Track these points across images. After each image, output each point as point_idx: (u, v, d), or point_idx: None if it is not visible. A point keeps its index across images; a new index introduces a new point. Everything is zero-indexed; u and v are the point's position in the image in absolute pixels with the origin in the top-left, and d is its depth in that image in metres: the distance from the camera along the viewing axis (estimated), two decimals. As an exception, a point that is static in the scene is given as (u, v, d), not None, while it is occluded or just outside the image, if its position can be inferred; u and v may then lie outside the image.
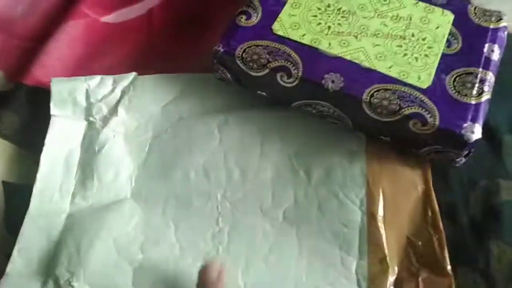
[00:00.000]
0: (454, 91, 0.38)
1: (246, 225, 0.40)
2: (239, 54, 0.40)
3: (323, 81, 0.39)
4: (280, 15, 0.42)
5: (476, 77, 0.38)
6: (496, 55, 0.40)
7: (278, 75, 0.40)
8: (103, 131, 0.44)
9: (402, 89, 0.38)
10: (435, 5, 0.43)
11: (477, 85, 0.38)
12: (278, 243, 0.39)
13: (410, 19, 0.42)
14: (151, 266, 0.39)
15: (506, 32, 0.42)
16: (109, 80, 0.45)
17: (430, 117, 0.37)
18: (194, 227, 0.40)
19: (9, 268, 0.39)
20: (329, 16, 0.42)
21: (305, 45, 0.40)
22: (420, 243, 0.38)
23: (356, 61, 0.39)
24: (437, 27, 0.41)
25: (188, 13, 0.52)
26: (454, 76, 0.39)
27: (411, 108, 0.37)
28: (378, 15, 0.42)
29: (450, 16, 0.42)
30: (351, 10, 0.42)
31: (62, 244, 0.40)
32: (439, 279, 0.37)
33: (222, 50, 0.41)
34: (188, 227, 0.40)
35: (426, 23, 0.41)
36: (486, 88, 0.38)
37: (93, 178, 0.42)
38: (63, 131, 0.44)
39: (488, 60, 0.39)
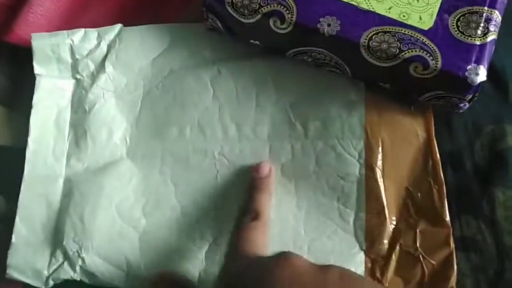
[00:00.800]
0: (457, 32, 0.36)
1: (245, 182, 0.39)
2: (229, 0, 0.38)
3: (318, 25, 0.37)
4: None
5: (481, 16, 0.36)
6: (503, -7, 0.37)
7: (271, 21, 0.37)
8: (91, 89, 0.42)
9: (402, 31, 0.36)
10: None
11: (482, 24, 0.36)
12: (276, 198, 0.39)
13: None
14: (155, 231, 0.40)
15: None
16: (93, 33, 0.43)
17: (432, 59, 0.35)
18: (193, 185, 0.40)
19: (15, 238, 0.39)
20: (324, -43, 0.39)
21: None
22: (419, 194, 0.38)
23: (353, 3, 0.37)
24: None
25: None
26: (458, 16, 0.36)
27: (412, 51, 0.35)
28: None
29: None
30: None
31: (64, 213, 0.40)
32: (437, 229, 0.37)
33: None
34: (187, 186, 0.40)
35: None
36: (492, 28, 0.36)
37: (87, 138, 0.41)
38: (50, 91, 0.43)
39: None
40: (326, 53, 0.38)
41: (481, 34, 0.36)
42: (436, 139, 0.39)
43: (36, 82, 0.42)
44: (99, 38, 0.43)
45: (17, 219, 0.40)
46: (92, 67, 0.43)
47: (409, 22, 0.36)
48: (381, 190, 0.38)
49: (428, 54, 0.35)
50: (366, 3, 0.37)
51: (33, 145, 0.41)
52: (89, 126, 0.42)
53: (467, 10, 0.36)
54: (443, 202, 0.37)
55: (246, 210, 0.36)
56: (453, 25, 0.36)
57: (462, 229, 0.38)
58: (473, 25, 0.36)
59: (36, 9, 0.45)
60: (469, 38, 0.36)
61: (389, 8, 0.37)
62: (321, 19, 0.37)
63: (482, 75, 0.35)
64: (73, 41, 0.43)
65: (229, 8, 0.38)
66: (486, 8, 0.36)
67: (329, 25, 0.36)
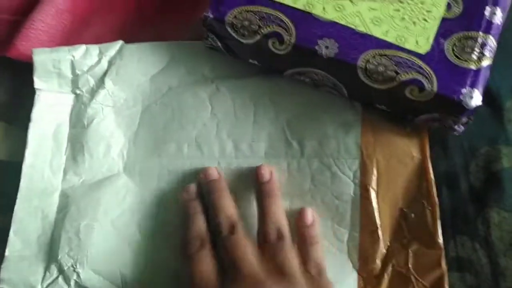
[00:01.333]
0: (453, 56, 0.36)
1: (241, 200, 0.39)
2: (229, 20, 0.39)
3: (316, 47, 0.37)
4: None
5: (476, 41, 0.37)
6: (498, 19, 0.38)
7: (270, 42, 0.38)
8: (91, 104, 0.43)
9: (399, 54, 0.37)
10: (435, -36, 0.41)
11: (477, 49, 0.36)
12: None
13: (408, -20, 0.40)
14: (149, 246, 0.40)
15: (511, -7, 0.40)
16: (94, 50, 0.44)
17: (428, 83, 0.35)
18: None
19: (8, 251, 0.39)
20: (323, -22, 0.40)
21: (298, 9, 0.38)
22: (413, 215, 0.38)
23: (351, 26, 0.38)
24: (437, -11, 0.39)
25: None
26: (454, 41, 0.37)
27: (408, 74, 0.36)
28: (374, -25, 0.40)
29: (449, -24, 0.40)
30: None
31: (60, 227, 0.40)
32: (429, 251, 0.37)
33: (211, 16, 0.39)
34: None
35: (424, -15, 0.39)
36: (487, 53, 0.36)
37: (84, 153, 0.42)
38: (49, 106, 0.43)
39: (489, 23, 0.37)
40: (323, 74, 0.39)
41: (476, 59, 0.36)
42: (432, 160, 0.39)
43: (36, 96, 0.43)
44: (100, 54, 0.44)
45: (11, 232, 0.39)
46: (92, 82, 0.43)
47: (406, 46, 0.37)
48: (375, 210, 0.38)
49: (424, 78, 0.36)
50: (364, 26, 0.38)
51: (30, 158, 0.41)
52: (87, 140, 0.42)
53: (462, 35, 0.37)
54: (436, 224, 0.37)
55: (265, 229, 0.36)
56: (449, 50, 0.37)
57: (457, 249, 0.38)
58: (468, 50, 0.36)
59: (37, 25, 0.46)
60: (465, 62, 0.36)
61: (386, 32, 0.37)
62: (319, 41, 0.37)
63: (476, 99, 0.35)
64: (74, 57, 0.43)
65: (229, 29, 0.39)
66: (481, 33, 0.37)
67: (327, 47, 0.37)
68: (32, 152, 0.41)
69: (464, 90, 0.35)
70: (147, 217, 0.40)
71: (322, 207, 0.39)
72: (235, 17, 0.39)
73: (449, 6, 0.38)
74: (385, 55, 0.37)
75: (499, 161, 0.40)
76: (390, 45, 0.37)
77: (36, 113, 0.42)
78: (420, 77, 0.36)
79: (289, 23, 0.38)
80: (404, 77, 0.36)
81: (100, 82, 0.43)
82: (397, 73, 0.36)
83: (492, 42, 0.37)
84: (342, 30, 0.38)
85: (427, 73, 0.36)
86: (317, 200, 0.39)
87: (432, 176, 0.39)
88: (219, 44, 0.41)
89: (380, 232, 0.38)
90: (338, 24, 0.38)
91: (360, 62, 0.36)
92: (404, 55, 0.36)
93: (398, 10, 0.38)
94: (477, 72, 0.36)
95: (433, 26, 0.38)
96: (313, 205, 0.39)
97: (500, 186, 0.39)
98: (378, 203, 0.38)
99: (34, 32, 0.45)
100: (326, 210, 0.39)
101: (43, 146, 0.42)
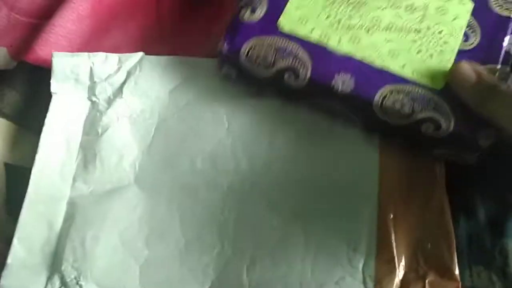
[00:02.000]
0: None
1: (253, 219, 0.39)
2: (244, 52, 0.39)
3: (332, 82, 0.37)
4: (286, 7, 0.40)
5: (495, 74, 0.36)
6: (517, 49, 0.38)
7: (286, 75, 0.38)
8: (106, 113, 0.42)
9: (416, 90, 0.36)
10: (453, -7, 0.40)
11: None
12: (285, 239, 0.39)
13: (426, 9, 0.40)
14: (157, 263, 0.39)
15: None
16: (114, 58, 0.43)
17: (444, 120, 0.35)
18: (199, 219, 0.39)
19: (11, 258, 0.38)
20: (339, 7, 0.40)
21: (313, 42, 0.38)
22: (429, 245, 0.38)
23: (368, 59, 0.38)
24: (454, 18, 0.39)
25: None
26: (471, 74, 0.37)
27: (425, 111, 0.36)
28: (392, 5, 0.40)
29: (469, 5, 0.40)
30: (363, 0, 0.40)
31: (65, 236, 0.39)
32: (446, 282, 0.37)
33: (226, 48, 0.39)
34: (193, 219, 0.39)
35: (442, 14, 0.39)
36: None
37: (95, 161, 0.41)
38: (64, 111, 0.42)
39: (508, 55, 0.37)
40: (339, 107, 0.39)
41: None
42: (448, 189, 0.39)
43: (52, 100, 0.42)
44: (120, 63, 0.43)
45: (15, 239, 0.38)
46: (109, 91, 0.43)
47: (422, 81, 0.37)
48: (391, 239, 0.38)
49: (440, 115, 0.35)
50: (381, 59, 0.38)
51: (40, 163, 0.40)
52: (100, 149, 0.41)
53: None
54: (453, 255, 0.37)
55: None
56: None
57: (473, 279, 0.38)
58: None
59: (58, 30, 0.46)
60: None
61: (403, 65, 0.37)
62: (335, 76, 0.37)
63: (491, 137, 0.35)
64: (93, 64, 0.43)
65: (244, 61, 0.39)
66: (499, 66, 0.37)
67: (343, 82, 0.37)
68: (43, 157, 0.41)
69: (480, 129, 0.35)
70: (155, 232, 0.39)
71: (338, 232, 0.38)
72: (250, 48, 0.39)
73: (466, 36, 0.38)
74: (402, 91, 0.36)
75: (517, 189, 0.40)
76: (407, 81, 0.37)
77: (50, 117, 0.42)
78: (436, 115, 0.36)
79: (305, 56, 0.38)
80: (421, 115, 0.36)
81: (118, 92, 0.43)
82: (413, 111, 0.36)
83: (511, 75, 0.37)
84: (359, 64, 0.38)
85: (444, 110, 0.36)
86: (332, 225, 0.39)
87: (448, 206, 0.39)
88: (234, 74, 0.41)
89: (396, 261, 0.37)
90: (354, 58, 0.38)
91: (377, 99, 0.36)
92: (421, 90, 0.36)
93: (415, 41, 0.38)
94: None
95: (450, 59, 0.38)
96: (328, 230, 0.39)
97: (519, 215, 0.39)
98: (394, 231, 0.38)
99: (54, 37, 0.45)
100: (342, 236, 0.38)
101: (55, 151, 0.41)
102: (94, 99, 0.43)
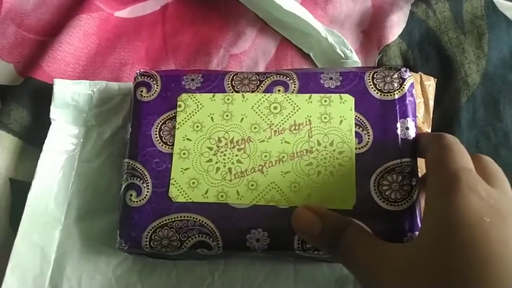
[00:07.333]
0: (381, 200, 0.35)
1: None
2: (146, 244, 0.36)
3: (247, 244, 0.35)
4: (172, 174, 0.37)
5: (400, 172, 0.35)
6: (412, 131, 0.36)
7: (199, 250, 0.36)
8: (103, 139, 0.42)
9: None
10: (330, 91, 0.37)
11: (405, 184, 0.34)
12: (274, 271, 0.39)
13: (310, 122, 0.37)
14: None
15: (413, 91, 0.37)
16: (114, 87, 0.43)
17: None
18: None
19: None
20: (225, 155, 0.37)
21: (213, 204, 0.36)
22: None
23: (272, 203, 0.35)
24: (341, 122, 0.36)
25: (203, 11, 0.50)
26: (377, 180, 0.35)
27: None
28: (275, 131, 0.37)
29: (350, 101, 0.37)
30: (245, 137, 0.37)
31: (61, 271, 0.39)
32: None
33: (126, 247, 0.36)
34: None
35: (327, 121, 0.36)
36: (414, 182, 0.35)
37: (88, 188, 0.41)
38: (62, 137, 0.42)
39: (406, 142, 0.35)
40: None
41: (406, 196, 0.34)
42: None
43: (51, 126, 0.42)
44: (119, 91, 0.43)
45: (8, 269, 0.38)
46: (106, 118, 0.43)
47: (333, 206, 0.34)
48: None
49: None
50: (285, 199, 0.35)
51: (36, 189, 0.40)
52: (95, 176, 0.41)
53: (383, 169, 0.35)
54: None
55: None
56: (376, 193, 0.35)
57: None
58: (395, 186, 0.35)
59: (64, 47, 0.46)
60: (395, 204, 0.34)
61: (308, 195, 0.35)
62: (247, 236, 0.35)
63: None
64: (93, 92, 0.43)
65: (150, 251, 0.36)
66: (400, 160, 0.35)
67: (257, 240, 0.35)
68: (40, 183, 0.40)
69: (406, 238, 0.34)
70: (148, 265, 0.39)
71: (326, 269, 0.39)
72: (151, 239, 0.36)
73: (358, 137, 0.36)
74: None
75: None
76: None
77: (49, 143, 0.42)
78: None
79: (211, 225, 0.35)
80: None
81: (116, 119, 0.43)
82: None
83: (416, 166, 0.35)
84: (265, 212, 0.35)
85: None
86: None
87: None
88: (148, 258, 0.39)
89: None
90: (259, 207, 0.35)
91: (296, 246, 0.35)
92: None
93: (311, 164, 0.36)
94: (411, 212, 0.34)
95: (351, 171, 0.35)
96: (317, 266, 0.39)
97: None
98: None
99: (61, 54, 0.46)
100: (330, 272, 0.39)
101: (51, 177, 0.41)
102: (91, 125, 0.43)
